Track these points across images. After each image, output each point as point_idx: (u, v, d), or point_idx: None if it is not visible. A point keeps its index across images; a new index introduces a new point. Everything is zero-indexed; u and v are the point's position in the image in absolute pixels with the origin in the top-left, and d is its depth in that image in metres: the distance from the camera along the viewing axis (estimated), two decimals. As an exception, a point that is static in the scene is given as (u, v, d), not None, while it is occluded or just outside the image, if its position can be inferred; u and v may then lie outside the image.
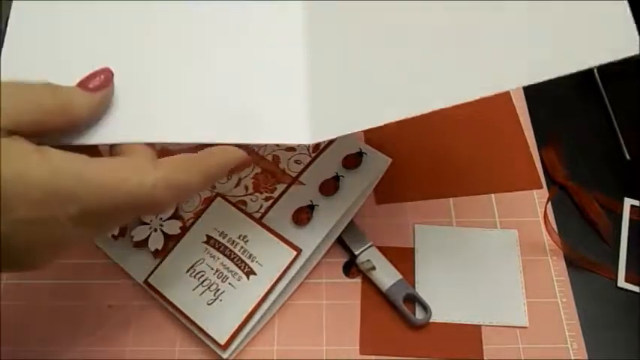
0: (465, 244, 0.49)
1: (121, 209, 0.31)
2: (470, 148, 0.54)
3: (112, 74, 0.35)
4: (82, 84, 0.34)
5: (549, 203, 0.50)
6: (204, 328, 0.43)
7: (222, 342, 0.42)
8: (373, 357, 0.44)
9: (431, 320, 0.45)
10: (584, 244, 0.49)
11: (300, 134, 0.36)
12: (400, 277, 0.46)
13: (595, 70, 0.59)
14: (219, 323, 0.43)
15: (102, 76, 0.35)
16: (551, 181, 0.53)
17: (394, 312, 0.46)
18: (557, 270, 0.48)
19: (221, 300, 0.43)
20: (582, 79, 0.60)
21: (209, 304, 0.43)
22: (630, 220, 0.51)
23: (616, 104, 0.57)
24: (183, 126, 0.36)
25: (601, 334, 0.45)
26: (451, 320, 0.45)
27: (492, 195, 0.52)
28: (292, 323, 0.45)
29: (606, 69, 0.59)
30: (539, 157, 0.54)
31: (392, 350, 0.44)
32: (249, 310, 0.43)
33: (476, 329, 0.45)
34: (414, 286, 0.47)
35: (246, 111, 0.37)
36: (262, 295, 0.43)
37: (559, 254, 0.49)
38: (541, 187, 0.52)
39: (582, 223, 0.51)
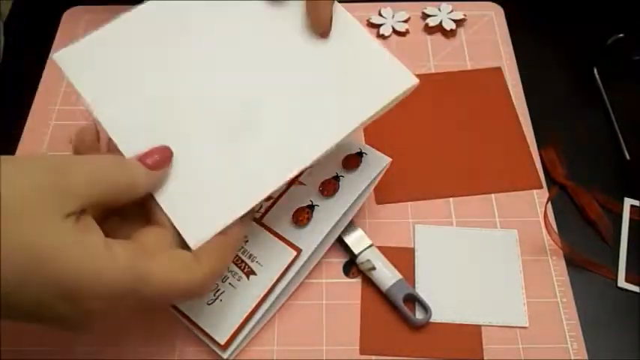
0: (465, 244, 0.49)
1: (173, 301, 0.37)
2: (470, 148, 0.54)
3: (172, 154, 0.37)
4: (143, 159, 0.35)
5: (549, 203, 0.50)
6: (205, 328, 0.43)
7: (222, 342, 0.42)
8: (373, 357, 0.44)
9: (431, 320, 0.45)
10: (584, 244, 0.49)
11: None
12: (400, 277, 0.46)
13: (595, 70, 0.59)
14: (219, 323, 0.43)
15: (161, 155, 0.36)
16: (551, 181, 0.53)
17: (394, 312, 0.46)
18: (557, 270, 0.48)
19: (221, 300, 0.43)
20: (582, 79, 0.60)
21: (209, 304, 0.43)
22: (630, 220, 0.51)
23: (616, 104, 0.57)
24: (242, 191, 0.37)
25: (601, 334, 0.45)
26: (451, 320, 0.45)
27: (492, 195, 0.52)
28: (292, 323, 0.45)
29: (606, 69, 0.59)
30: (539, 157, 0.54)
31: (392, 350, 0.44)
32: (249, 310, 0.43)
33: (476, 329, 0.45)
34: (414, 286, 0.47)
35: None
36: (262, 295, 0.43)
37: (559, 254, 0.49)
38: (541, 187, 0.52)
39: (582, 223, 0.51)
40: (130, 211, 0.37)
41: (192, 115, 0.39)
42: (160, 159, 0.36)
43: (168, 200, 0.36)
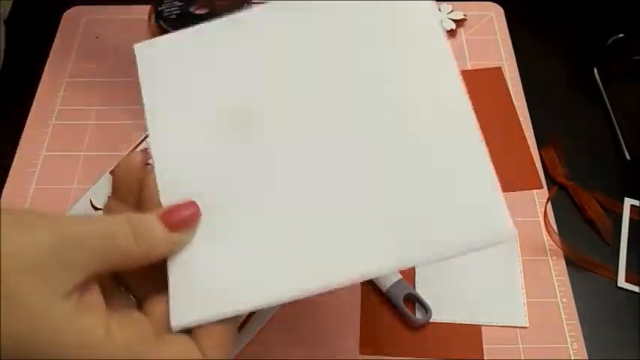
0: (465, 244, 0.49)
1: None
2: (470, 148, 0.54)
3: (200, 213, 0.30)
4: (165, 217, 0.30)
5: (549, 203, 0.50)
6: (205, 328, 0.42)
7: (222, 342, 0.42)
8: (373, 357, 0.44)
9: (431, 320, 0.45)
10: (584, 244, 0.49)
11: None
12: (400, 277, 0.46)
13: (595, 70, 0.59)
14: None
15: (188, 212, 0.30)
16: (551, 181, 0.53)
17: (394, 312, 0.46)
18: (557, 270, 0.48)
19: (221, 300, 0.43)
20: (582, 79, 0.60)
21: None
22: (630, 220, 0.51)
23: (616, 104, 0.57)
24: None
25: (601, 334, 0.45)
26: (451, 320, 0.45)
27: (492, 195, 0.52)
28: (292, 323, 0.45)
29: (606, 69, 0.59)
30: (539, 157, 0.54)
31: (392, 350, 0.44)
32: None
33: (476, 329, 0.45)
34: (414, 286, 0.47)
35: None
36: (262, 295, 0.43)
37: (559, 254, 0.49)
38: (541, 186, 0.52)
39: (582, 223, 0.51)
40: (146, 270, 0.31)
41: (262, 167, 0.31)
42: (187, 218, 0.30)
43: (179, 265, 0.30)
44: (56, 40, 0.63)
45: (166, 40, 0.35)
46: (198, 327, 0.29)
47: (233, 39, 0.35)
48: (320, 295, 0.28)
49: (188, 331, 0.29)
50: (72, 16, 0.65)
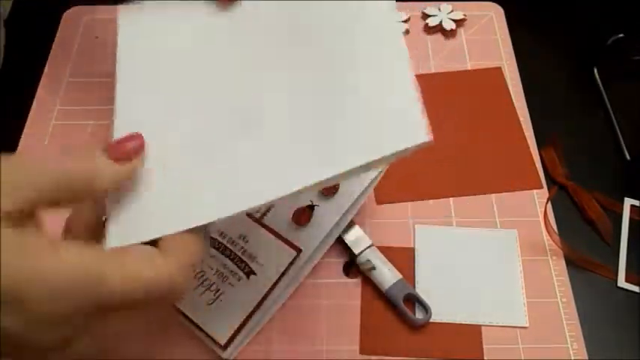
0: (465, 244, 0.49)
1: (142, 302, 0.29)
2: (470, 148, 0.54)
3: (143, 144, 0.32)
4: (111, 150, 0.31)
5: (549, 203, 0.50)
6: (204, 328, 0.43)
7: (222, 342, 0.42)
8: (373, 357, 0.44)
9: (431, 320, 0.45)
10: (584, 244, 0.49)
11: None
12: (400, 277, 0.46)
13: (595, 70, 0.59)
14: (219, 323, 0.43)
15: (133, 144, 0.32)
16: (551, 181, 0.53)
17: (394, 312, 0.46)
18: (557, 270, 0.48)
19: (221, 300, 0.43)
20: (582, 79, 0.60)
21: (209, 304, 0.43)
22: (630, 220, 0.51)
23: (616, 104, 0.57)
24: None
25: (601, 334, 0.45)
26: (451, 320, 0.45)
27: (492, 195, 0.52)
28: (292, 323, 0.45)
29: (606, 69, 0.59)
30: (539, 157, 0.54)
31: (392, 350, 0.44)
32: (249, 310, 0.43)
33: (476, 329, 0.45)
34: (414, 286, 0.47)
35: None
36: (262, 295, 0.43)
37: (559, 254, 0.49)
38: (541, 187, 0.52)
39: (582, 223, 0.51)
40: None
41: (199, 109, 0.35)
42: (131, 149, 0.31)
43: (115, 195, 0.32)
44: (56, 40, 0.63)
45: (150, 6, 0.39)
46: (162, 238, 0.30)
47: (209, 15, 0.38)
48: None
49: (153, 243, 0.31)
50: (72, 16, 0.65)
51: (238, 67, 0.36)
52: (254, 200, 0.31)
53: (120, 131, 0.33)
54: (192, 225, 0.31)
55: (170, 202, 0.32)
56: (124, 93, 0.36)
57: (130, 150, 0.31)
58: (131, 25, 0.39)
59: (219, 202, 0.32)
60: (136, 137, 0.32)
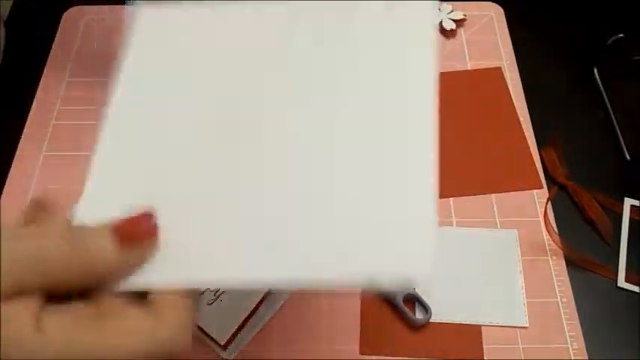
0: (465, 244, 0.49)
1: None
2: (470, 148, 0.54)
3: (157, 227, 0.27)
4: (117, 232, 0.26)
5: (549, 203, 0.50)
6: (204, 328, 0.43)
7: (222, 342, 0.42)
8: (373, 357, 0.44)
9: (431, 320, 0.45)
10: (584, 244, 0.49)
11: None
12: (400, 277, 0.46)
13: (595, 70, 0.59)
14: (219, 323, 0.43)
15: (144, 226, 0.27)
16: (551, 181, 0.53)
17: (394, 312, 0.46)
18: (557, 270, 0.48)
19: (221, 300, 0.43)
20: (582, 79, 0.60)
21: (209, 304, 0.43)
22: (630, 220, 0.51)
23: (616, 104, 0.57)
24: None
25: (601, 334, 0.45)
26: (451, 320, 0.45)
27: (492, 195, 0.52)
28: (292, 323, 0.45)
29: (606, 69, 0.59)
30: (539, 157, 0.54)
31: (392, 350, 0.44)
32: (249, 310, 0.43)
33: (476, 329, 0.45)
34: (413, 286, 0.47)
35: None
36: (262, 295, 0.43)
37: (559, 254, 0.49)
38: (541, 187, 0.52)
39: (582, 223, 0.51)
40: None
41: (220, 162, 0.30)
42: (143, 230, 0.27)
43: None
44: (56, 40, 0.63)
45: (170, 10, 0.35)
46: (152, 298, 0.26)
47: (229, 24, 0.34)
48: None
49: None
50: (72, 16, 0.65)
51: (266, 96, 0.32)
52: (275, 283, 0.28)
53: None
54: (203, 286, 0.28)
55: (180, 252, 0.27)
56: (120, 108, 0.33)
57: (142, 233, 0.27)
58: (146, 27, 0.35)
59: (234, 269, 0.27)
60: (148, 217, 0.27)
